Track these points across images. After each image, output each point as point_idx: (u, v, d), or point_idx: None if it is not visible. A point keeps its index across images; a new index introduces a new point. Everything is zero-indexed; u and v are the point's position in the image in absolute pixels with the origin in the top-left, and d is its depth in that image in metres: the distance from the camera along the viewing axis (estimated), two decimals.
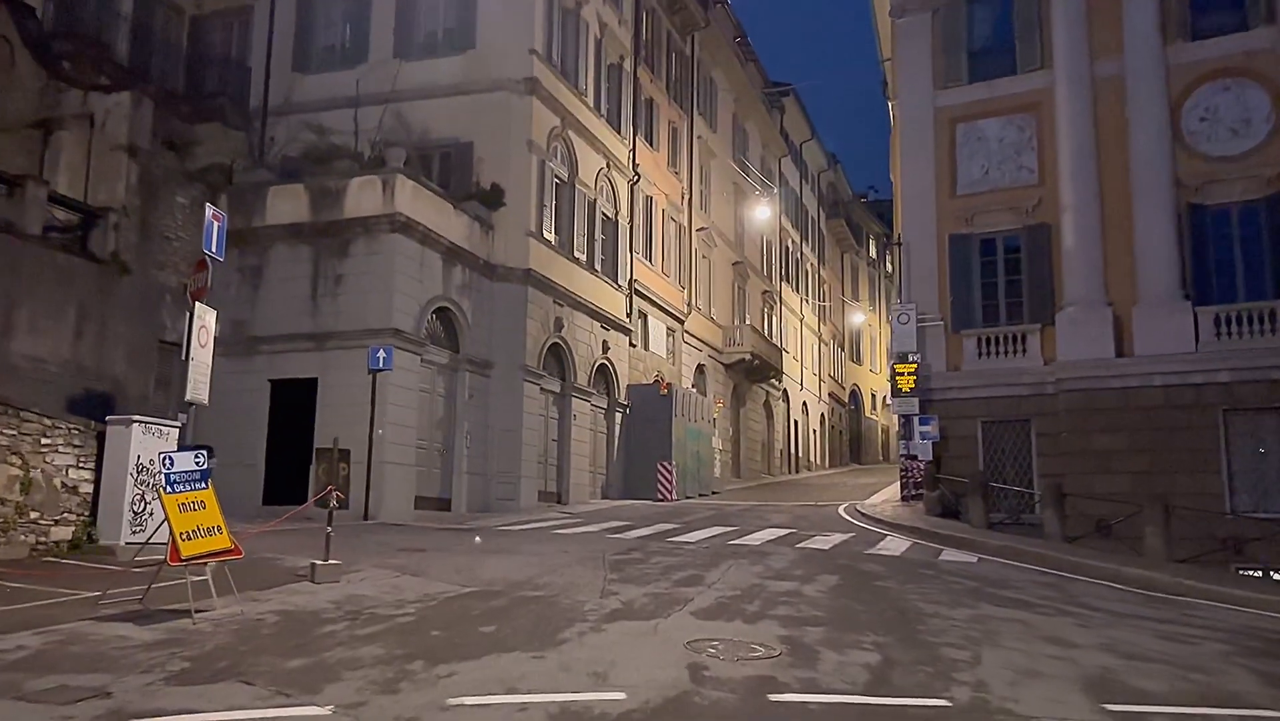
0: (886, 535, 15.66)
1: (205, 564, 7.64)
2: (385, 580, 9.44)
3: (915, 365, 21.64)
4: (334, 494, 9.24)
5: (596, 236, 23.91)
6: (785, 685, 5.82)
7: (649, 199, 27.68)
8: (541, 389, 20.70)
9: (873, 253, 60.81)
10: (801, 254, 45.71)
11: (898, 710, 5.44)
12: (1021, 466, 21.02)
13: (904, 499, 21.57)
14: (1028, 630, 7.98)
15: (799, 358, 43.86)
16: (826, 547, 13.56)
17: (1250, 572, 17.34)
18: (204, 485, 7.92)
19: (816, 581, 10.21)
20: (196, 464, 7.92)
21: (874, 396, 60.36)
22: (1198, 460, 18.89)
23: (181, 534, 7.43)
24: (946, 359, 22.07)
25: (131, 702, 5.08)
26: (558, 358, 21.86)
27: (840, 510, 21.11)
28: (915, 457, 21.39)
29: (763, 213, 35.19)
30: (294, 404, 16.80)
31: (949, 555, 13.35)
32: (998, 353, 21.56)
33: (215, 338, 9.86)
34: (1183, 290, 19.79)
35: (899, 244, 22.77)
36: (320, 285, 17.06)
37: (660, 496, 24.15)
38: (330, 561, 9.21)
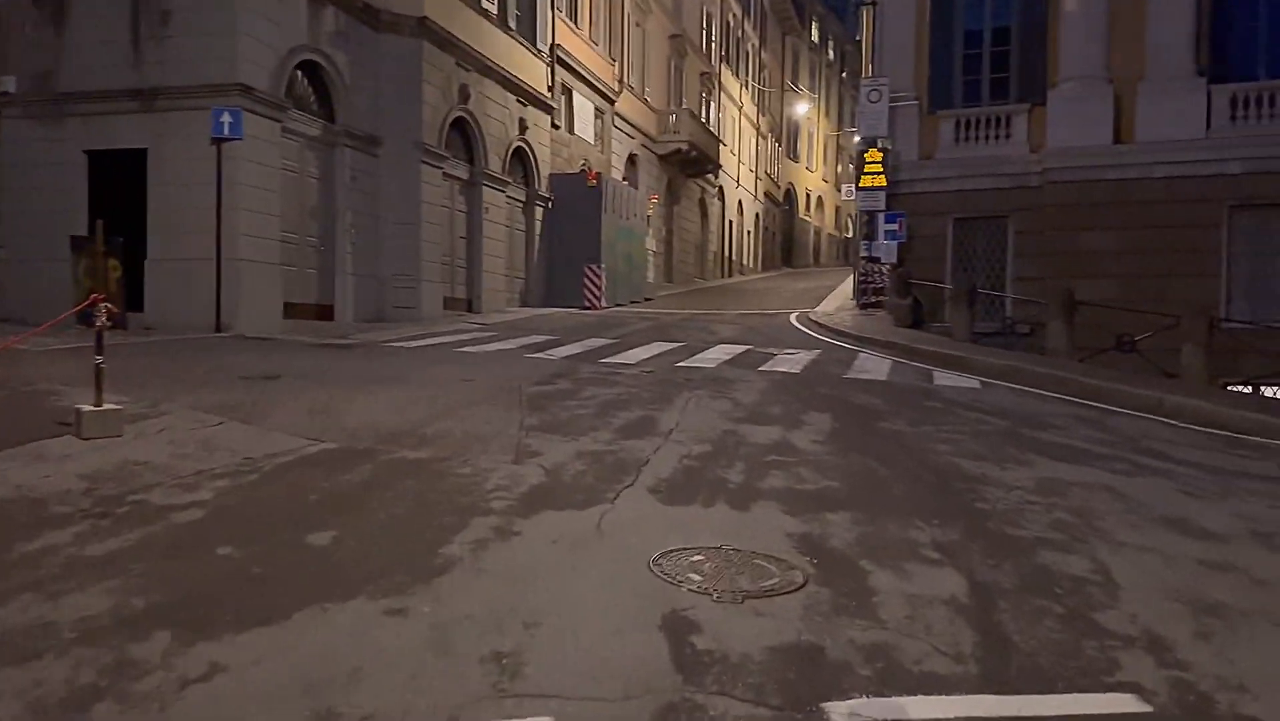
0: (859, 352, 13.21)
1: None
2: (194, 432, 6.45)
3: (884, 154, 18.69)
4: (102, 306, 6.05)
5: None
6: (842, 666, 3.19)
7: None
8: (445, 174, 17.17)
9: (815, 35, 56.09)
10: (743, 31, 41.22)
11: None
12: (994, 270, 18.71)
13: (862, 306, 19.20)
14: (1127, 506, 5.52)
15: (736, 151, 40.37)
16: (797, 371, 11.00)
17: (1238, 387, 15.66)
18: None
19: (806, 424, 7.62)
20: None
21: (809, 196, 57.59)
22: (1195, 262, 16.80)
23: None
24: (919, 145, 19.19)
25: None
26: (464, 136, 18.19)
27: (792, 319, 18.66)
28: (877, 260, 18.87)
29: None
30: (120, 183, 13.07)
31: (945, 378, 10.94)
32: (978, 138, 18.76)
33: (10, 94, 6.41)
34: (1196, 65, 16.97)
35: (869, 2, 19.20)
36: (143, 25, 12.89)
37: (587, 304, 21.33)
38: (108, 408, 6.16)
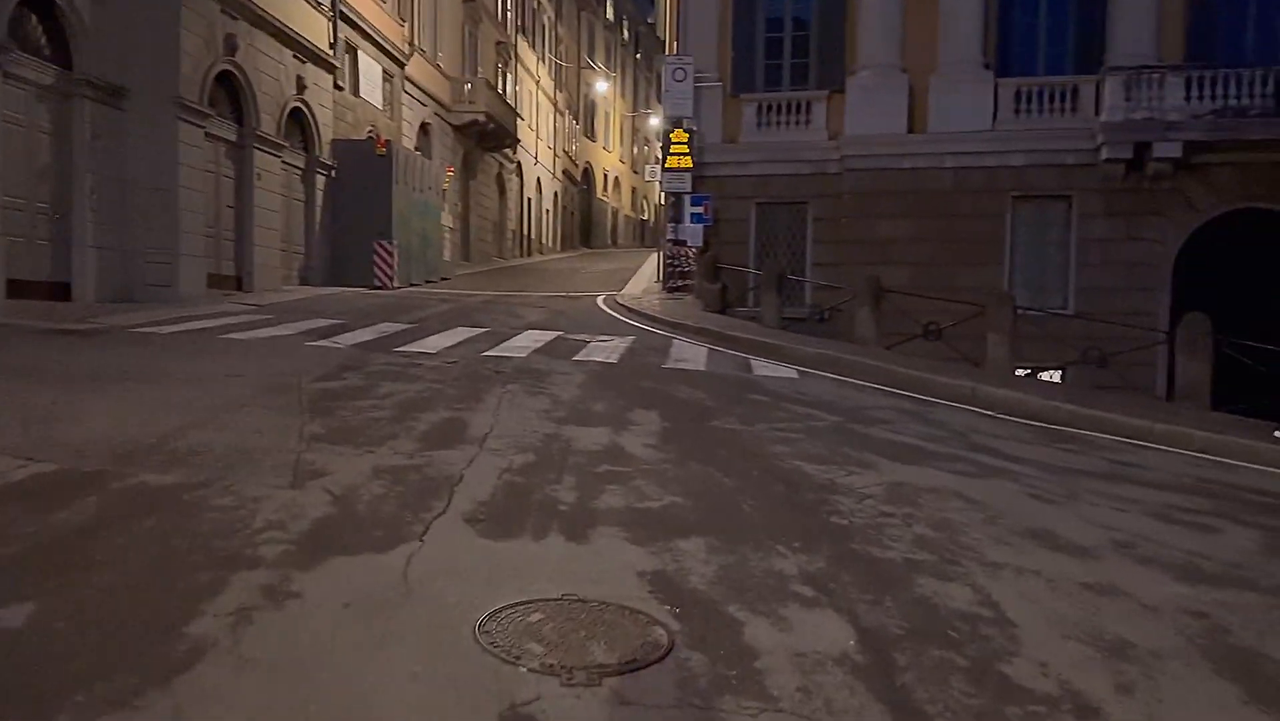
0: (674, 339, 12.69)
1: None
2: None
3: (690, 135, 18.33)
4: None
5: None
6: None
7: None
8: (208, 133, 15.08)
9: (610, 14, 55.68)
10: (539, 2, 40.01)
11: None
12: (795, 255, 18.85)
13: (669, 290, 18.82)
14: (984, 515, 5.18)
15: (534, 127, 39.22)
16: (614, 360, 10.28)
17: (1021, 372, 16.52)
18: None
19: (635, 424, 6.90)
20: None
21: (607, 177, 57.35)
22: (982, 252, 17.58)
23: None
24: (723, 129, 19.00)
25: None
26: (232, 93, 16.11)
27: (600, 303, 17.98)
28: (684, 243, 18.52)
29: None
30: None
31: (763, 368, 10.58)
32: (780, 123, 18.76)
33: None
34: (983, 59, 17.70)
35: None
36: None
37: (378, 283, 19.70)
38: None
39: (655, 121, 68.75)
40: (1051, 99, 17.09)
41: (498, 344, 11.00)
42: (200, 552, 3.82)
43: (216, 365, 8.48)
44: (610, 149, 57.92)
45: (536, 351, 10.56)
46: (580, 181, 52.14)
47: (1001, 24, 17.66)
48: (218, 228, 15.75)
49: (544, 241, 43.04)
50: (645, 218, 70.08)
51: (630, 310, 16.22)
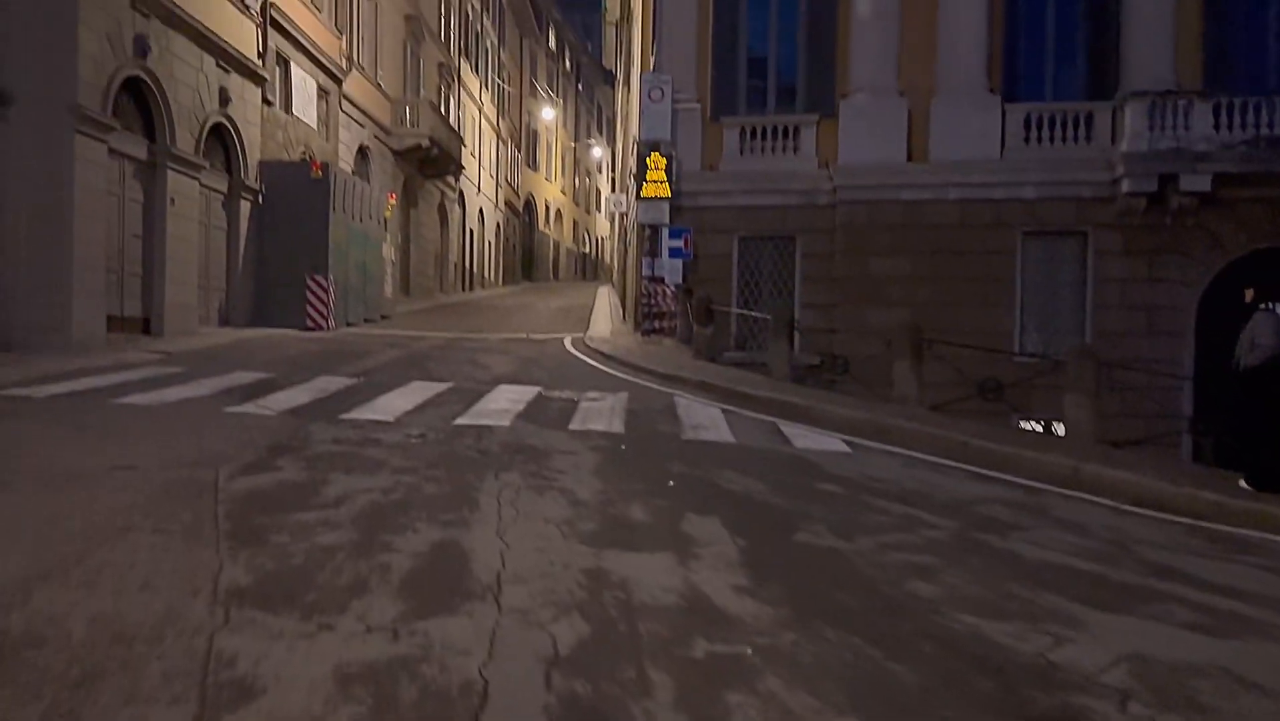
0: (673, 395, 10.70)
1: None
2: None
3: (667, 160, 16.51)
4: None
5: None
6: None
7: None
8: (111, 149, 12.67)
9: (552, 42, 54.05)
10: (483, 25, 38.08)
11: None
12: (781, 294, 17.09)
13: (644, 332, 16.85)
14: None
15: (476, 155, 37.08)
16: (619, 429, 8.26)
17: (1030, 424, 14.97)
18: None
19: (699, 543, 4.90)
20: None
21: (548, 208, 55.39)
22: (989, 292, 16.05)
23: None
24: (702, 155, 17.24)
25: None
26: (141, 103, 13.73)
27: (568, 346, 15.96)
28: (661, 280, 16.62)
29: None
30: None
31: (802, 437, 8.67)
32: (765, 149, 17.06)
33: None
34: (987, 82, 16.29)
35: None
36: None
37: (310, 324, 17.32)
38: None
39: (598, 152, 67.34)
40: (1064, 126, 15.72)
41: (469, 406, 8.88)
42: None
43: (101, 449, 6.22)
44: (552, 179, 56.03)
45: (520, 417, 8.48)
46: (522, 213, 50.06)
47: (1007, 45, 16.30)
48: (121, 261, 13.29)
49: (486, 275, 40.77)
50: (586, 250, 68.21)
51: (607, 356, 14.21)
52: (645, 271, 16.63)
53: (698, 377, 11.57)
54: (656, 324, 16.72)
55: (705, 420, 9.10)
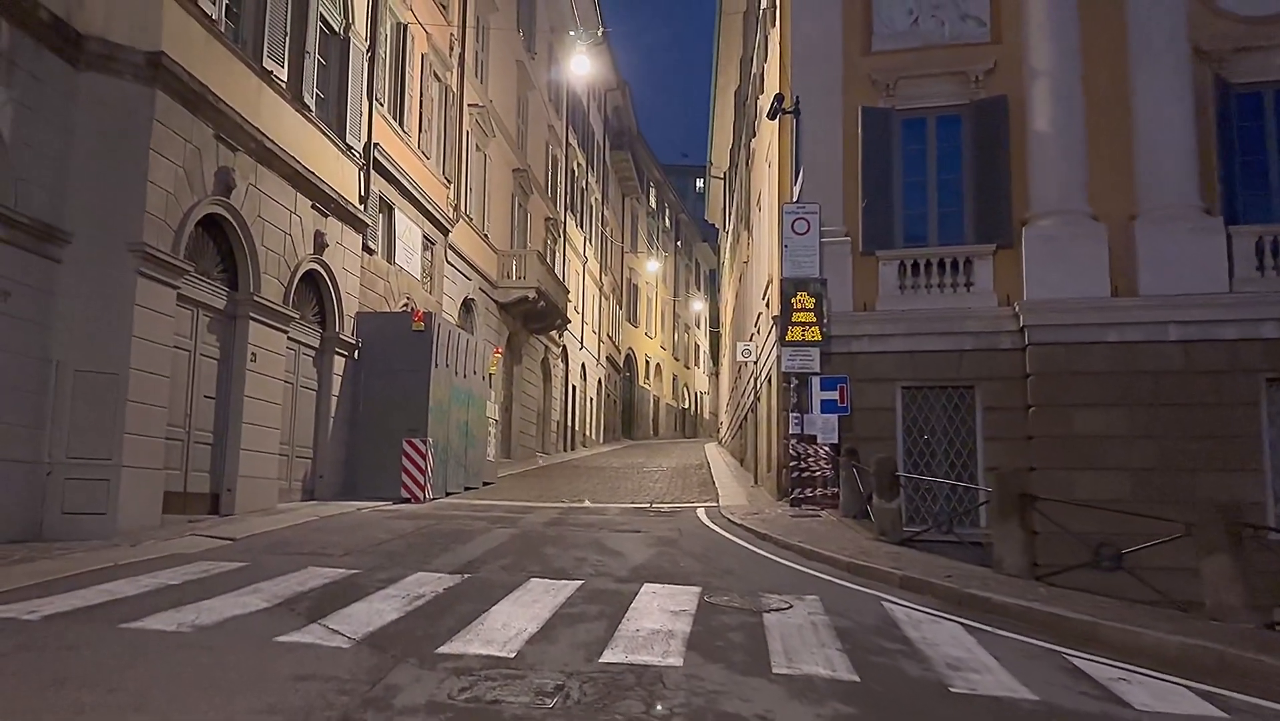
0: (880, 598, 7.81)
1: None
2: None
3: (816, 300, 14.17)
4: None
5: (309, 50, 14.18)
6: None
7: (403, 28, 18.19)
8: (182, 296, 10.97)
9: (653, 202, 53.86)
10: (587, 183, 37.53)
11: None
12: (959, 454, 14.17)
13: (794, 503, 14.02)
14: None
15: (580, 309, 35.73)
16: (850, 672, 5.40)
17: None
18: None
19: None
20: None
21: (648, 362, 53.77)
22: (1229, 452, 12.83)
23: None
24: (854, 294, 14.85)
25: None
26: (222, 245, 12.17)
27: (705, 520, 13.26)
28: (813, 440, 13.93)
29: (580, 65, 25.76)
30: None
31: (1121, 682, 5.65)
32: (929, 285, 14.56)
33: None
34: (1201, 201, 13.62)
35: (788, 112, 15.08)
36: None
37: (406, 495, 15.09)
38: None
39: (697, 306, 66.47)
40: None
41: (614, 626, 6.21)
42: None
43: None
44: (652, 335, 54.68)
45: (691, 646, 5.74)
46: (623, 368, 48.43)
47: (1223, 160, 13.71)
48: (188, 426, 11.36)
49: (587, 433, 38.66)
50: (685, 406, 66.19)
51: (761, 537, 11.42)
52: (793, 429, 13.96)
53: (899, 570, 8.67)
54: (808, 491, 13.91)
55: (956, 650, 6.18)
